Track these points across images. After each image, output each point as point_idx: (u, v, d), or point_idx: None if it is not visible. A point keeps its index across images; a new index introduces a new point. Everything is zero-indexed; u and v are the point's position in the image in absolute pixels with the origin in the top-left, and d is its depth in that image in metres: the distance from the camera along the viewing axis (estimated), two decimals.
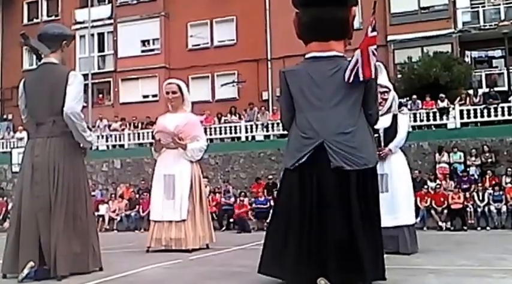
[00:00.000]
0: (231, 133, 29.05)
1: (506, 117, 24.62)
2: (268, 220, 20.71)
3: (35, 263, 5.40)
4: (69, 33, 5.99)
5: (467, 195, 20.55)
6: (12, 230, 5.62)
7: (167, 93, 10.66)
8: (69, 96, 5.50)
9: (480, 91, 27.86)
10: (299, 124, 4.44)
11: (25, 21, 41.55)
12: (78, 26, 39.20)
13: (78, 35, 39.07)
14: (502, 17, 31.30)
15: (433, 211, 20.21)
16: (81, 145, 5.76)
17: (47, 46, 5.78)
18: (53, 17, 40.48)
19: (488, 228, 19.49)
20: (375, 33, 4.28)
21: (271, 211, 21.27)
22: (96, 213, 24.61)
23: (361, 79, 4.20)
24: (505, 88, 28.72)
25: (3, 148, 33.14)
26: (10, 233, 5.62)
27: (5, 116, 39.80)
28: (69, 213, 5.51)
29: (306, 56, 4.51)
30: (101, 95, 39.15)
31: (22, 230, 5.50)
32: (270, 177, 24.48)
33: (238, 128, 28.90)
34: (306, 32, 4.52)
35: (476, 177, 22.23)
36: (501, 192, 20.39)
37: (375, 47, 4.25)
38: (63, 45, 5.81)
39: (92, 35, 38.65)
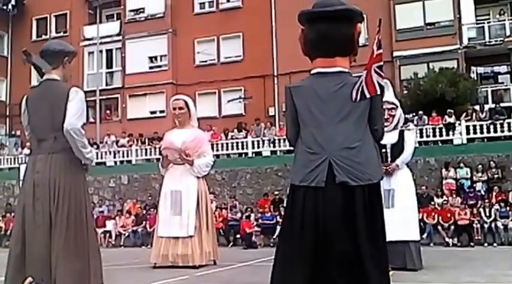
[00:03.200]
0: (237, 149, 29.09)
1: None
2: (274, 236, 20.87)
3: (34, 279, 5.40)
4: (71, 49, 5.99)
5: (474, 210, 20.50)
6: (14, 246, 5.61)
7: (174, 109, 10.72)
8: (70, 112, 5.50)
9: (486, 107, 27.87)
10: (304, 139, 4.45)
11: (34, 37, 41.91)
12: (86, 43, 39.52)
13: (86, 52, 39.41)
14: (508, 33, 31.39)
15: (439, 227, 20.16)
16: (83, 162, 5.78)
17: (48, 62, 5.78)
18: (61, 34, 40.72)
19: (495, 244, 19.44)
20: (380, 51, 4.30)
21: (277, 227, 21.39)
22: (103, 229, 24.79)
23: (368, 96, 4.22)
24: (511, 103, 28.67)
25: (11, 164, 33.29)
26: (13, 249, 5.61)
27: (13, 132, 39.96)
28: (70, 230, 5.49)
29: (312, 72, 4.52)
30: (108, 111, 39.30)
31: (28, 247, 5.50)
32: (277, 192, 24.47)
33: (244, 144, 28.96)
34: (311, 48, 4.53)
35: (482, 192, 22.21)
36: (508, 208, 20.38)
37: (380, 63, 4.27)
38: (65, 61, 5.82)
39: (100, 51, 38.90)
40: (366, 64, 4.21)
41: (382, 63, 4.28)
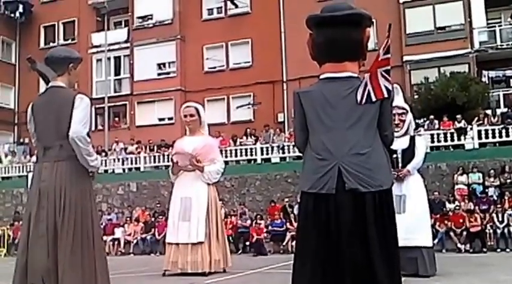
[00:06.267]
0: (246, 155, 29.00)
1: None
2: (284, 243, 20.80)
3: None
4: (76, 56, 5.93)
5: (487, 216, 20.35)
6: (20, 256, 5.55)
7: (185, 116, 10.71)
8: (75, 120, 5.45)
9: (498, 111, 27.74)
10: (313, 145, 4.38)
11: (42, 45, 42.05)
12: (94, 50, 39.61)
13: (94, 59, 39.51)
14: None
15: (451, 233, 20.02)
16: (88, 169, 5.71)
17: (53, 69, 5.74)
18: (69, 41, 40.84)
19: (508, 250, 19.30)
20: (387, 56, 4.24)
21: (287, 234, 21.32)
22: (111, 236, 24.75)
23: (374, 100, 4.15)
24: None
25: (19, 172, 33.34)
26: (19, 259, 5.56)
27: (21, 140, 40.02)
28: (76, 239, 5.43)
29: (320, 77, 4.46)
30: (117, 118, 39.33)
31: (30, 256, 5.44)
32: (287, 199, 24.40)
33: (254, 150, 28.87)
34: (320, 53, 4.47)
35: (495, 197, 22.07)
36: None
37: (388, 68, 4.21)
38: (70, 68, 5.76)
39: (109, 58, 38.98)
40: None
41: (389, 68, 4.23)
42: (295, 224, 20.72)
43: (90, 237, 5.55)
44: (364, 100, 4.17)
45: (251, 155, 29.04)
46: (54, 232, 5.41)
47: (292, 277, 4.33)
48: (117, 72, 40.06)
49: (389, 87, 4.20)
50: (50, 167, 5.54)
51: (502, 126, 25.29)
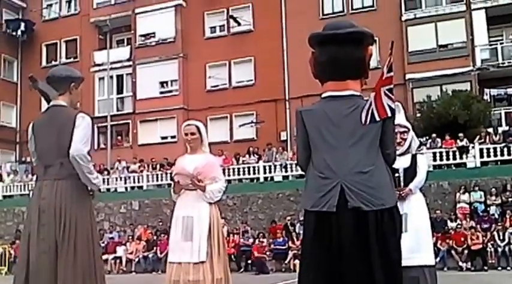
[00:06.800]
0: (249, 173, 28.99)
1: None
2: (286, 261, 20.74)
3: None
4: (77, 75, 5.94)
5: (488, 234, 20.33)
6: (19, 273, 5.53)
7: (186, 134, 10.63)
8: (76, 138, 5.45)
9: (500, 129, 27.73)
10: (316, 164, 4.38)
11: (44, 63, 42.12)
12: (97, 68, 39.73)
13: (97, 77, 39.62)
14: None
15: (453, 252, 20.00)
16: (89, 188, 5.71)
17: (54, 88, 5.74)
18: (71, 59, 40.92)
19: (509, 268, 19.32)
20: (391, 74, 4.24)
21: (289, 252, 21.29)
22: (113, 255, 24.70)
23: (378, 119, 4.16)
24: None
25: (21, 190, 33.29)
26: (18, 276, 5.53)
27: (23, 159, 39.98)
28: (77, 257, 5.41)
29: (323, 96, 4.46)
30: (119, 137, 39.34)
31: (30, 274, 5.42)
32: (289, 217, 24.37)
33: (256, 169, 28.84)
34: (322, 71, 4.47)
35: (496, 216, 22.06)
36: None
37: (391, 86, 4.21)
38: (71, 87, 5.76)
39: (111, 76, 39.09)
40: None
41: (392, 86, 4.23)
42: (297, 243, 20.75)
43: (90, 255, 5.53)
44: (368, 121, 4.17)
45: (254, 173, 29.02)
46: (55, 249, 5.40)
47: None
48: (120, 90, 40.11)
49: (393, 106, 4.20)
50: (50, 185, 5.53)
51: (503, 144, 25.26)
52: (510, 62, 31.38)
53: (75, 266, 5.40)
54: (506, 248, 19.88)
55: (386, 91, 4.18)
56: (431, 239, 9.35)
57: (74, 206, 5.52)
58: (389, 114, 4.19)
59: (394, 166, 4.69)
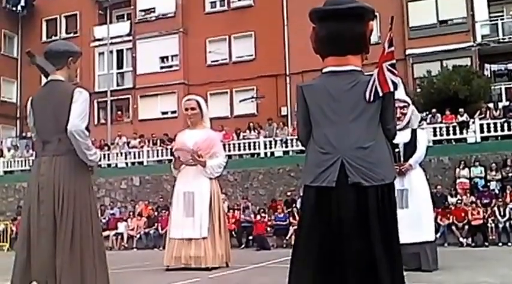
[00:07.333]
0: (249, 149, 28.98)
1: None
2: (287, 237, 20.78)
3: (39, 283, 5.33)
4: (75, 49, 5.91)
5: (488, 210, 20.34)
6: (20, 250, 5.53)
7: (186, 109, 10.65)
8: (74, 114, 5.42)
9: (500, 104, 27.71)
10: (317, 139, 4.37)
11: (44, 38, 41.86)
12: (97, 43, 39.61)
13: (97, 52, 39.51)
14: None
15: (453, 227, 20.02)
16: (87, 163, 5.68)
17: (52, 63, 5.71)
18: (71, 34, 40.77)
19: (509, 244, 19.32)
20: (391, 49, 4.23)
21: (290, 228, 21.31)
22: (114, 231, 24.77)
23: (381, 94, 4.15)
24: None
25: (22, 166, 33.31)
26: (19, 253, 5.53)
27: (24, 134, 39.96)
28: (75, 233, 5.40)
29: (323, 71, 4.45)
30: (119, 112, 39.29)
31: (32, 252, 5.42)
32: (289, 193, 24.39)
33: (257, 144, 28.84)
34: (323, 46, 4.45)
35: (497, 191, 22.06)
36: None
37: (393, 61, 4.20)
38: (69, 62, 5.73)
39: (111, 51, 38.98)
40: (377, 62, 4.14)
41: (394, 61, 4.22)
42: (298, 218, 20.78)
43: (89, 232, 5.51)
44: (372, 98, 4.16)
45: (254, 149, 29.05)
46: (54, 226, 5.39)
47: (292, 268, 4.31)
48: (120, 65, 40.05)
49: (396, 81, 4.19)
50: (49, 161, 5.51)
51: (504, 119, 25.25)
52: (511, 38, 31.30)
53: (74, 243, 5.39)
54: (507, 224, 19.87)
55: (389, 66, 4.17)
56: (432, 215, 9.39)
57: (72, 182, 5.50)
58: (392, 89, 4.19)
59: (394, 141, 4.68)
